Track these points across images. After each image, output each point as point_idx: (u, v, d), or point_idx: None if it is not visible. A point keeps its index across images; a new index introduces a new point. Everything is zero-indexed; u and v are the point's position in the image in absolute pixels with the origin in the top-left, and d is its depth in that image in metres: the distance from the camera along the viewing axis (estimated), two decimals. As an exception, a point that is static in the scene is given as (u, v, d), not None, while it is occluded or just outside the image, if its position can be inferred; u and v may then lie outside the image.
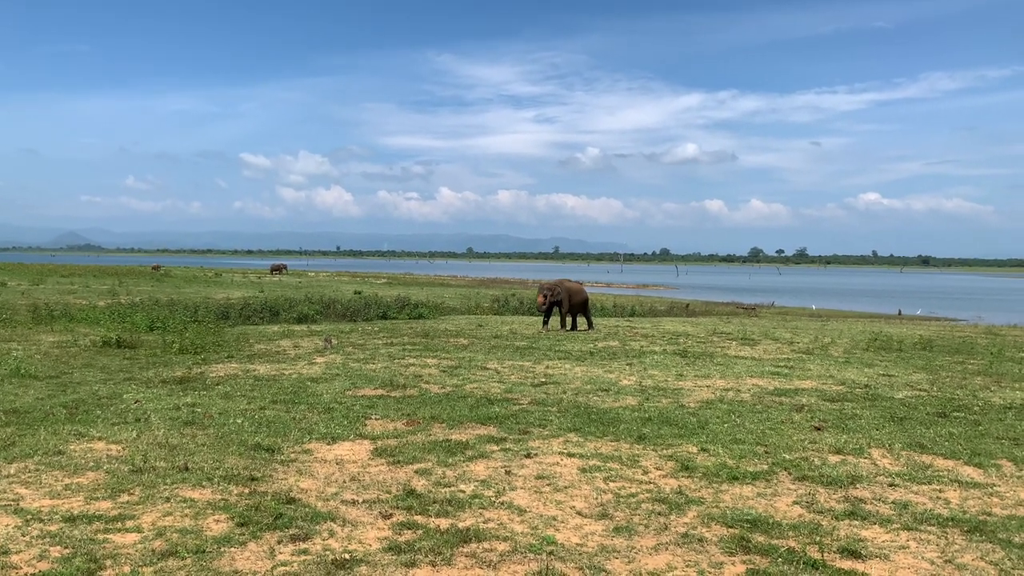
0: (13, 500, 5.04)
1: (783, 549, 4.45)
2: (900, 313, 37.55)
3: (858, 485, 5.73)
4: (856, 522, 4.97)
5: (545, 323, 17.67)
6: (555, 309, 17.70)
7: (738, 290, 64.37)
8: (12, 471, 5.67)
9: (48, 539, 4.39)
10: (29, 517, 4.73)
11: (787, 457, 6.42)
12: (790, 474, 5.97)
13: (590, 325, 18.41)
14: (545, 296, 17.25)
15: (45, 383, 9.45)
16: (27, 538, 4.40)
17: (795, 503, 5.32)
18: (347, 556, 4.27)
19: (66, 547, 4.28)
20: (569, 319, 18.07)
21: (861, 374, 11.31)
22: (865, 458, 6.48)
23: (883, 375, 11.27)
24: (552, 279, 19.01)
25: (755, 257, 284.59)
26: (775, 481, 5.80)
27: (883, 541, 4.66)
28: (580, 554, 4.39)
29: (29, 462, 5.90)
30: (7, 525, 4.60)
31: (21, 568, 4.02)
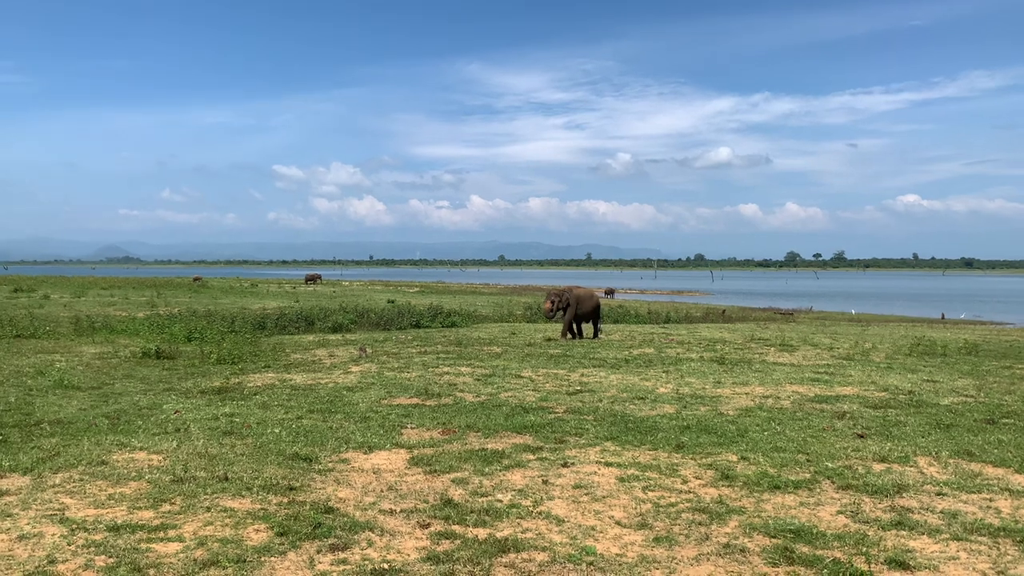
0: (59, 509, 5.15)
1: (828, 560, 4.37)
2: (943, 317, 36.79)
3: (904, 494, 5.61)
4: (904, 532, 4.86)
5: (565, 330, 17.28)
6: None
7: (775, 295, 63.62)
8: (57, 480, 5.79)
9: (93, 548, 4.47)
10: (75, 526, 4.82)
11: (830, 465, 6.31)
12: (833, 483, 5.87)
13: (595, 334, 17.70)
14: (553, 302, 17.00)
15: (87, 394, 9.65)
16: (73, 547, 4.49)
17: (839, 512, 5.22)
18: (386, 566, 4.29)
19: (111, 556, 4.35)
20: (586, 326, 17.59)
21: (904, 380, 11.10)
22: (911, 466, 6.34)
23: (927, 381, 11.04)
24: (561, 285, 18.78)
25: (792, 262, 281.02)
26: (818, 490, 5.71)
27: (932, 552, 4.55)
28: (620, 564, 4.35)
29: (74, 472, 6.02)
30: (54, 534, 4.69)
31: (67, 577, 4.09)
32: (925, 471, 6.21)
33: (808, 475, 6.06)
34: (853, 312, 39.97)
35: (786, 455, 6.63)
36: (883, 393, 9.91)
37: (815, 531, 4.84)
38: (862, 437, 7.32)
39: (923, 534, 4.83)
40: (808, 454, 6.68)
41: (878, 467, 6.31)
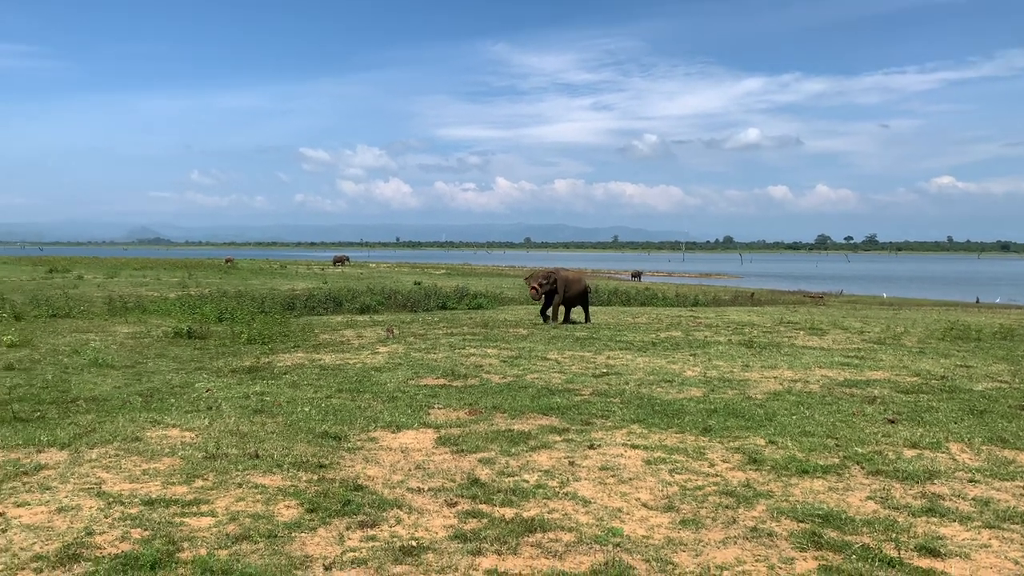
0: (96, 483, 5.27)
1: (857, 545, 4.35)
2: (978, 301, 36.16)
3: (936, 481, 5.55)
4: (934, 519, 4.81)
5: (543, 314, 16.53)
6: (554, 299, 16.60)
7: (805, 278, 62.93)
8: (94, 456, 5.93)
9: (129, 521, 4.58)
10: (111, 500, 4.94)
11: (859, 451, 6.26)
12: (863, 468, 5.82)
13: (587, 319, 17.05)
14: (539, 286, 16.13)
15: (121, 372, 9.84)
16: (109, 520, 4.60)
17: (869, 498, 5.18)
18: (414, 543, 4.34)
19: (146, 529, 4.45)
20: (563, 311, 16.75)
21: (937, 365, 10.94)
22: (943, 452, 6.27)
23: (961, 366, 10.88)
24: (546, 267, 18.00)
25: (822, 244, 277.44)
26: (847, 475, 5.67)
27: (963, 539, 4.51)
28: (646, 546, 4.36)
29: (109, 447, 6.16)
30: (91, 507, 4.81)
31: (104, 548, 4.20)
32: (957, 457, 6.14)
33: (837, 460, 6.01)
34: (884, 296, 39.42)
35: (815, 440, 6.59)
36: (915, 378, 9.79)
37: (844, 516, 4.81)
38: (893, 422, 7.25)
39: (954, 521, 4.78)
40: (837, 439, 6.63)
41: (909, 453, 6.25)
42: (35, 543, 4.27)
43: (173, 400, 8.03)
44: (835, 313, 21.57)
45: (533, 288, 16.29)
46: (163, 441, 6.37)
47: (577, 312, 18.02)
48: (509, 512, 4.84)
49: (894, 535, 4.52)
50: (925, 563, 4.16)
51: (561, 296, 16.36)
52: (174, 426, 6.90)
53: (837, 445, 6.43)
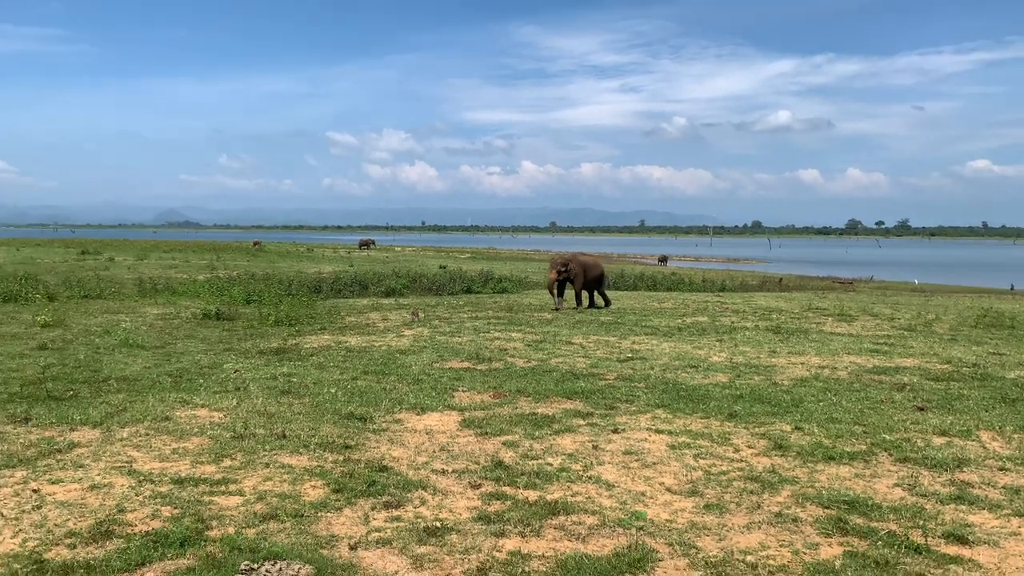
0: (127, 462, 5.38)
1: (883, 532, 4.32)
2: (1012, 288, 35.50)
3: (965, 468, 5.49)
4: (963, 507, 4.77)
5: (556, 298, 16.35)
6: (568, 285, 16.57)
7: (834, 263, 62.17)
8: (125, 435, 6.05)
9: (159, 499, 4.67)
10: (142, 478, 5.04)
11: (887, 438, 6.21)
12: (891, 455, 5.77)
13: (606, 303, 16.91)
14: (559, 271, 16.04)
15: (151, 353, 10.00)
16: (140, 498, 4.70)
17: (896, 485, 5.14)
18: (438, 524, 4.38)
19: (175, 507, 4.55)
20: (586, 296, 16.69)
21: (969, 352, 10.79)
22: (973, 440, 6.19)
23: (993, 353, 10.71)
24: (566, 252, 18.01)
25: (853, 229, 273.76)
26: (874, 462, 5.62)
27: (992, 527, 4.46)
28: (670, 530, 4.37)
29: (140, 427, 6.28)
30: (123, 485, 4.92)
31: (136, 526, 4.29)
32: (988, 446, 6.06)
33: (864, 447, 5.97)
34: (916, 282, 38.84)
35: (842, 426, 6.54)
36: (946, 365, 9.66)
37: (870, 503, 4.78)
38: (922, 410, 7.16)
39: (983, 509, 4.73)
40: (865, 426, 6.57)
41: (938, 440, 6.18)
42: (68, 519, 4.38)
43: (202, 380, 8.16)
44: (865, 299, 21.31)
45: (554, 272, 16.16)
46: (192, 421, 6.48)
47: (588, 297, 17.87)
48: (533, 495, 4.87)
49: (921, 522, 4.48)
50: (953, 550, 4.13)
51: (581, 281, 16.28)
52: (203, 406, 7.01)
53: (865, 432, 6.38)
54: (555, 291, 16.41)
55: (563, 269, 16.07)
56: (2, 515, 4.42)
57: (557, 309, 15.99)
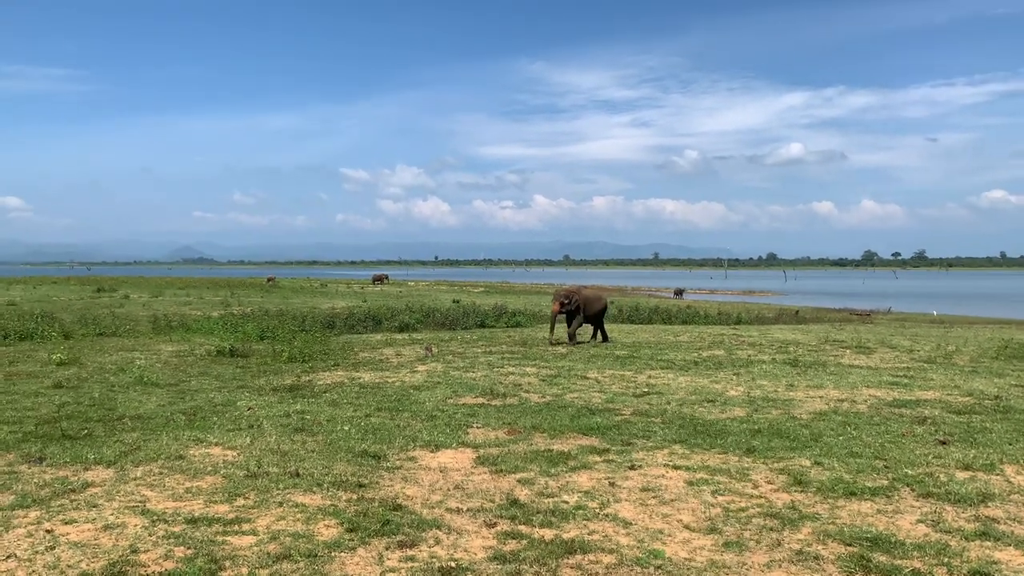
0: (140, 501, 5.39)
1: (907, 570, 4.25)
2: (1034, 319, 35.10)
3: (990, 503, 5.40)
4: (988, 543, 4.68)
5: (551, 332, 16.36)
6: (566, 319, 16.44)
7: (851, 295, 61.81)
8: (139, 473, 6.06)
9: (173, 539, 4.66)
10: (155, 518, 5.04)
11: (909, 472, 6.12)
12: (913, 490, 5.69)
13: (604, 338, 16.75)
14: (562, 304, 16.02)
15: (165, 390, 10.05)
16: (154, 538, 4.69)
17: (919, 521, 5.06)
18: (453, 564, 4.35)
19: (189, 547, 4.53)
20: (584, 329, 16.49)
21: (991, 384, 10.65)
22: (997, 475, 6.10)
23: (1016, 385, 10.57)
24: (569, 285, 18.06)
25: (869, 260, 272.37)
26: (897, 497, 5.54)
27: (1019, 564, 4.37)
28: (689, 569, 4.32)
29: (153, 465, 6.29)
30: (136, 525, 4.91)
31: (149, 566, 4.28)
32: (1012, 480, 5.97)
33: (886, 482, 5.89)
34: (935, 313, 38.52)
35: (862, 461, 6.46)
36: (967, 398, 9.54)
37: (893, 540, 4.70)
38: (944, 444, 7.07)
39: (1009, 545, 4.64)
40: (886, 460, 6.49)
41: (961, 475, 6.09)
42: (82, 560, 4.37)
43: (216, 418, 8.18)
44: (883, 331, 21.14)
45: (556, 305, 16.12)
46: (206, 459, 6.49)
47: (586, 330, 17.83)
48: (549, 533, 4.82)
49: (946, 559, 4.40)
50: (980, 590, 4.04)
51: (582, 315, 16.29)
52: (216, 444, 7.02)
53: (886, 467, 6.30)
54: (556, 323, 16.45)
55: (566, 301, 16.12)
56: (16, 556, 4.42)
57: (551, 343, 15.92)
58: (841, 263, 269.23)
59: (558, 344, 15.81)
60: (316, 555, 4.45)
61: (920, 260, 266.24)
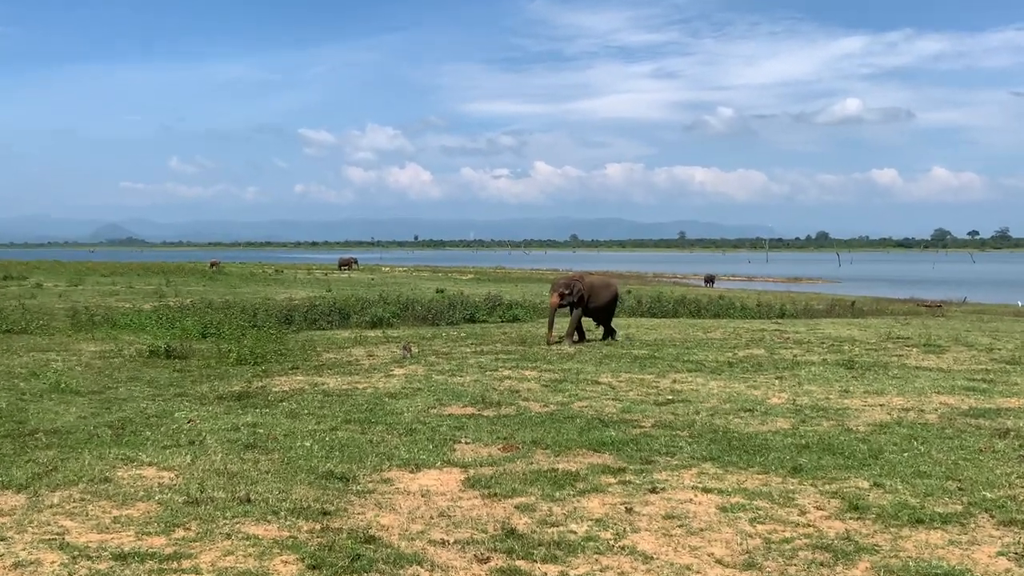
0: (58, 534, 5.39)
1: (985, 613, 4.28)
2: None
3: (1085, 533, 5.44)
4: (1083, 580, 4.72)
5: (550, 329, 16.25)
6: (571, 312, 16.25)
7: (919, 283, 62.01)
8: (56, 500, 6.07)
9: (97, 579, 4.67)
10: (76, 554, 5.04)
11: (988, 495, 6.17)
12: (992, 517, 5.74)
13: (610, 334, 16.72)
14: (562, 295, 15.85)
15: (87, 399, 10.06)
16: (75, 577, 4.70)
17: (1000, 554, 5.10)
18: (437, 607, 4.37)
19: (117, 588, 4.54)
20: (597, 326, 16.60)
21: (1087, 390, 10.72)
22: (1094, 498, 6.14)
23: (1117, 391, 10.64)
24: (572, 272, 17.67)
25: (940, 240, 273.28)
26: (973, 525, 5.59)
27: (1121, 606, 4.41)
28: (722, 612, 4.34)
29: (74, 490, 6.29)
30: (53, 562, 4.92)
31: (69, 611, 4.29)
32: (1113, 505, 6.01)
33: (960, 507, 5.93)
34: (1020, 304, 38.67)
35: (932, 482, 6.50)
36: (1058, 406, 9.60)
37: (969, 576, 4.74)
38: (1030, 461, 7.12)
39: (1109, 583, 4.68)
40: (960, 481, 6.53)
41: (1051, 499, 6.13)
42: (-12, 604, 4.39)
43: (149, 433, 8.18)
44: (957, 326, 21.22)
45: (556, 296, 15.97)
46: (137, 482, 6.50)
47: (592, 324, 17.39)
48: (553, 570, 4.85)
49: (1033, 601, 4.44)
50: (1072, 637, 4.08)
51: (584, 306, 16.11)
52: (150, 464, 7.03)
53: (960, 489, 6.34)
54: (557, 318, 16.40)
55: (567, 292, 15.90)
56: (-93, 600, 4.43)
57: (550, 343, 15.78)
58: (907, 244, 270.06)
59: (560, 344, 15.80)
60: (271, 597, 4.47)
61: (1002, 240, 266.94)
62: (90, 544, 5.21)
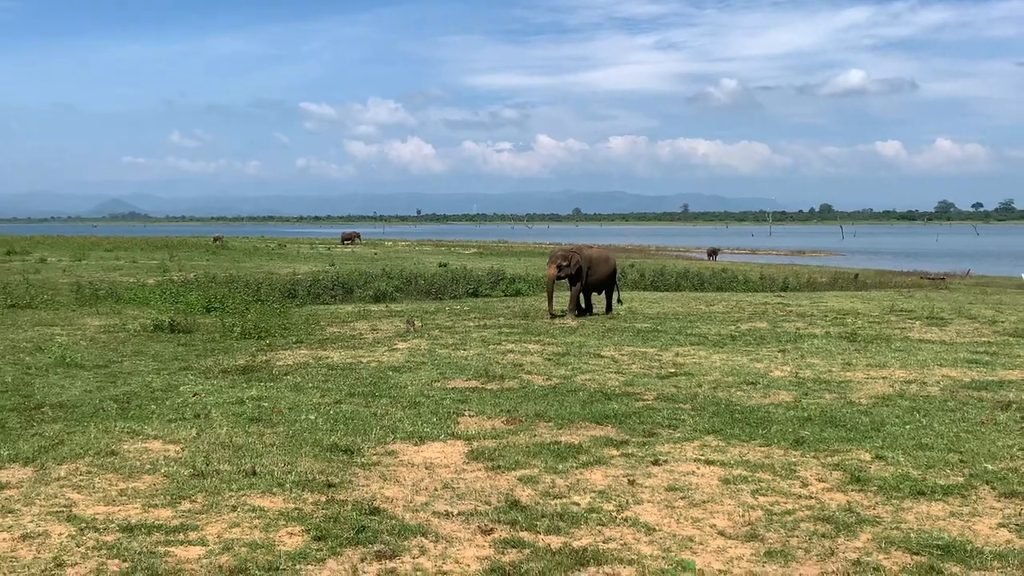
0: (66, 506, 5.43)
1: (986, 583, 4.31)
2: None
3: (1086, 504, 5.46)
4: (1083, 551, 4.74)
5: (551, 304, 16.19)
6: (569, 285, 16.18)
7: (922, 255, 61.87)
8: (63, 473, 6.11)
9: (105, 551, 4.71)
10: (84, 525, 5.08)
11: (989, 467, 6.19)
12: (993, 489, 5.75)
13: (609, 307, 16.78)
14: (559, 267, 15.65)
15: (92, 373, 10.09)
16: (82, 549, 4.74)
17: (1000, 525, 5.13)
18: (441, 578, 4.40)
19: (125, 560, 4.59)
20: (597, 297, 16.56)
21: (1089, 362, 10.72)
22: (1095, 470, 6.16)
23: (1120, 364, 10.64)
24: (568, 244, 17.46)
25: (944, 213, 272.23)
26: (974, 497, 5.61)
27: (1120, 576, 4.44)
28: (723, 583, 4.37)
29: (80, 463, 6.33)
30: (61, 534, 4.96)
31: (77, 582, 4.33)
32: (1114, 476, 6.03)
33: (961, 479, 5.95)
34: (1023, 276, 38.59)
35: (933, 454, 6.52)
36: (1061, 378, 9.61)
37: (970, 547, 4.76)
38: (1032, 433, 7.14)
39: (1109, 554, 4.70)
40: (962, 453, 6.55)
41: (1052, 470, 6.15)
42: (-3, 575, 4.42)
43: (154, 406, 8.22)
44: (960, 298, 21.21)
45: (553, 268, 15.76)
46: (143, 455, 6.53)
47: (600, 301, 17.32)
48: (556, 541, 4.88)
49: (1033, 571, 4.47)
50: (1072, 606, 4.10)
51: (583, 279, 15.95)
52: (155, 437, 7.07)
53: (962, 461, 6.36)
54: (556, 291, 16.36)
55: (564, 264, 15.69)
56: (-83, 571, 4.47)
57: (553, 317, 15.76)
58: (910, 216, 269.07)
59: (563, 318, 15.80)
60: (278, 568, 4.50)
61: (1007, 212, 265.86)
62: (97, 516, 5.25)
